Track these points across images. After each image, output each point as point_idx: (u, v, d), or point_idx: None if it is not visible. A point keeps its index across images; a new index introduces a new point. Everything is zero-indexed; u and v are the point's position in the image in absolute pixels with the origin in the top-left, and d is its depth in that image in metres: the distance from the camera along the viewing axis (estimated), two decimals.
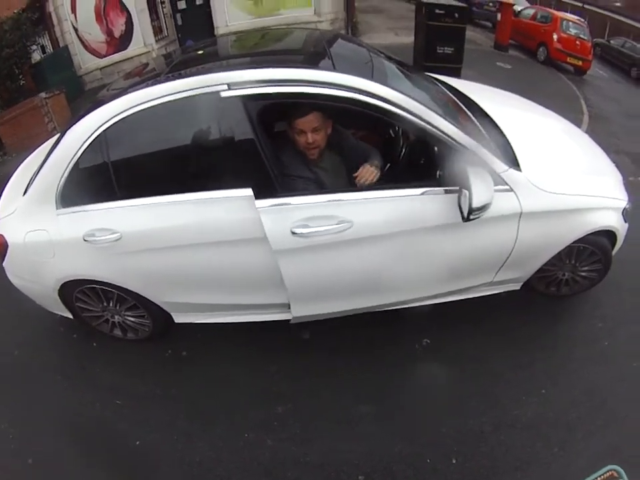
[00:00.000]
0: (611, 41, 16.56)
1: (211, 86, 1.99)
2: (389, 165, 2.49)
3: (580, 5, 22.22)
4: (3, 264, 2.50)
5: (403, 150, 2.55)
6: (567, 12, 15.44)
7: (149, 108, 2.05)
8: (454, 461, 2.18)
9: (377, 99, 2.03)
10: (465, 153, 2.12)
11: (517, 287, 2.76)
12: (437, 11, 6.81)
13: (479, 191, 2.01)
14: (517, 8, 12.26)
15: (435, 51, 6.73)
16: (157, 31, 9.92)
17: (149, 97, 2.05)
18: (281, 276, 2.22)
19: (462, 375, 2.56)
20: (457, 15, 6.82)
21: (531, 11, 12.77)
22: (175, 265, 2.26)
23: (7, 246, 2.38)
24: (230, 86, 1.98)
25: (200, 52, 2.74)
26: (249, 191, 2.05)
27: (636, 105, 10.14)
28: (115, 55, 9.79)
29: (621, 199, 2.59)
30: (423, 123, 2.08)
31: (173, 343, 2.80)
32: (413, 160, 2.48)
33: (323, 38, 2.66)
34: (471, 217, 2.06)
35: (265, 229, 2.06)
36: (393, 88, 2.08)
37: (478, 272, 2.52)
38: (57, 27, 9.82)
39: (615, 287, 3.02)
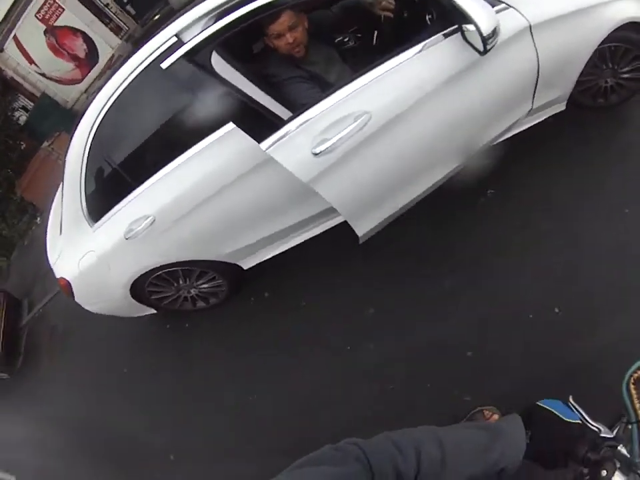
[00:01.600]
0: None
1: (162, 45, 1.92)
2: (376, 32, 2.34)
3: None
4: (75, 299, 2.68)
5: (383, 15, 2.32)
6: None
7: (120, 95, 2.09)
8: (556, 310, 2.06)
9: None
10: None
11: (562, 107, 2.52)
12: None
13: (481, 17, 1.80)
14: None
15: None
16: (117, 30, 9.80)
17: (115, 85, 2.08)
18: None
19: (534, 215, 2.40)
20: None
21: None
22: (213, 217, 2.30)
23: (70, 284, 2.56)
24: (178, 35, 1.88)
25: (155, 18, 2.67)
26: (230, 125, 1.99)
27: None
28: (91, 72, 9.85)
29: None
30: None
31: (252, 290, 2.90)
32: (398, 20, 2.28)
33: None
34: (488, 46, 1.86)
35: (286, 167, 1.90)
36: None
37: (515, 104, 2.32)
38: (26, 84, 10.04)
39: None
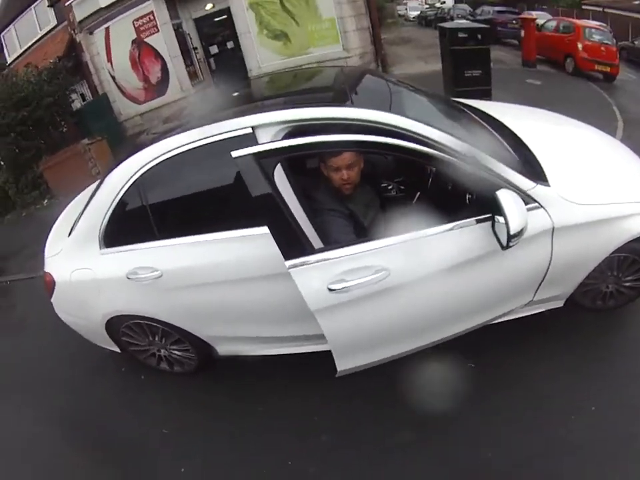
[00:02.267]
0: (636, 42, 16.03)
1: (236, 130, 2.06)
2: (418, 194, 2.51)
3: (600, 9, 21.75)
4: (52, 300, 2.69)
5: (430, 179, 2.56)
6: (588, 19, 15.16)
7: (182, 153, 2.18)
8: None
9: (397, 133, 2.02)
10: (491, 177, 2.10)
11: (560, 304, 2.65)
12: (460, 34, 6.76)
13: (514, 216, 1.95)
14: (540, 22, 12.16)
15: (463, 75, 6.65)
16: (193, 75, 10.40)
17: (182, 142, 2.18)
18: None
19: (509, 399, 2.46)
20: (479, 37, 6.73)
21: (553, 23, 12.56)
22: (213, 300, 2.35)
23: (55, 283, 2.58)
24: (254, 129, 2.03)
25: (234, 94, 2.84)
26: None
27: None
28: (153, 101, 10.28)
29: None
30: (444, 153, 2.06)
31: (218, 374, 2.86)
32: (441, 188, 2.47)
33: (348, 75, 2.73)
34: (511, 243, 2.01)
35: (300, 290, 1.99)
36: (412, 118, 2.08)
37: (517, 294, 2.45)
38: (95, 76, 10.42)
39: None
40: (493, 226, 2.08)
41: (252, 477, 2.33)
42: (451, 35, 6.92)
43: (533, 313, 2.65)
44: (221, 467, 2.39)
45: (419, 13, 29.16)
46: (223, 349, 2.71)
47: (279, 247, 1.96)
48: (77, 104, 9.78)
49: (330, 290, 1.99)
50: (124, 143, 8.64)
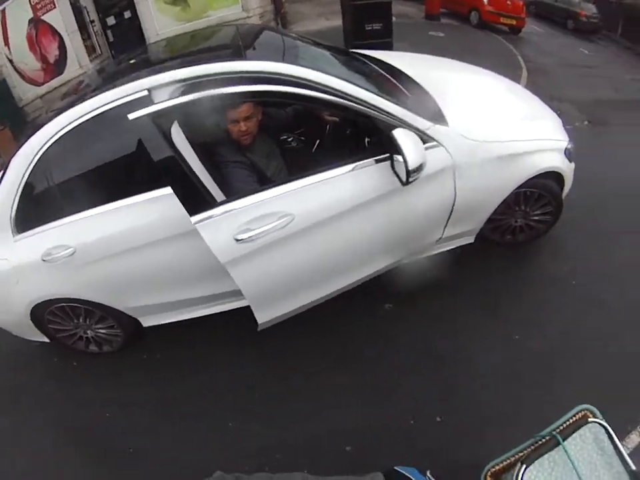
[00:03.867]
0: None
1: (132, 94, 2.02)
2: (318, 142, 2.57)
3: None
4: None
5: (328, 127, 2.60)
6: None
7: (81, 124, 2.12)
8: (438, 419, 2.24)
9: (291, 81, 2.06)
10: (388, 118, 2.17)
11: (471, 239, 2.80)
12: None
13: (411, 153, 2.05)
14: None
15: (363, 29, 6.65)
16: (90, 50, 9.79)
17: (79, 113, 2.12)
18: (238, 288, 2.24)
19: (430, 334, 2.61)
20: None
21: None
22: (128, 269, 2.33)
23: None
24: (150, 90, 2.00)
25: (130, 61, 2.74)
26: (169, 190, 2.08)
27: (574, 55, 10.42)
28: (53, 81, 9.59)
29: (561, 140, 2.64)
30: (339, 98, 2.11)
31: (147, 347, 2.86)
32: (340, 136, 2.53)
33: (245, 32, 2.71)
34: (410, 178, 2.09)
35: (208, 244, 2.01)
36: (306, 67, 2.13)
37: (425, 232, 2.57)
38: None
39: (572, 226, 3.10)
40: (392, 165, 2.18)
41: (196, 443, 2.36)
42: None
43: (445, 249, 2.79)
44: (167, 439, 2.41)
45: None
46: (146, 320, 2.69)
47: (182, 204, 1.97)
48: None
49: (237, 240, 2.02)
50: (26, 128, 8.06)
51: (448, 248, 2.79)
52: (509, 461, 1.55)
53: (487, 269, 2.92)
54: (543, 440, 1.48)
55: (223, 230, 2.02)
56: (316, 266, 2.32)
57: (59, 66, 9.60)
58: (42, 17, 9.31)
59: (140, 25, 9.80)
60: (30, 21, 9.36)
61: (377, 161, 2.21)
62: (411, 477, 1.25)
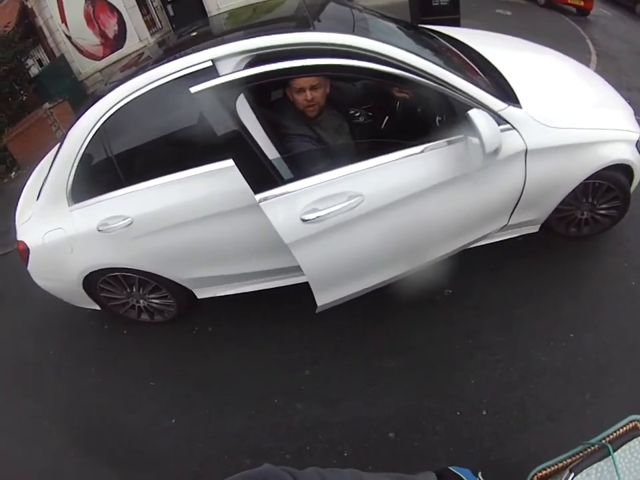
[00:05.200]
0: None
1: (195, 65, 1.98)
2: (387, 118, 2.47)
3: None
4: (28, 268, 2.61)
5: (398, 104, 2.50)
6: None
7: (141, 95, 2.11)
8: (484, 412, 2.16)
9: (359, 54, 1.96)
10: (462, 97, 2.06)
11: (535, 229, 2.69)
12: None
13: (488, 135, 1.94)
14: None
15: (430, 5, 6.38)
16: (150, 24, 10.00)
17: (139, 85, 2.10)
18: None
19: (485, 324, 2.52)
20: None
21: None
22: (186, 241, 2.32)
23: (29, 250, 2.51)
24: (214, 61, 1.95)
25: (192, 34, 2.71)
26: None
27: None
28: (112, 55, 9.89)
29: (634, 131, 2.49)
30: (410, 73, 2.01)
31: (198, 320, 2.88)
32: (410, 113, 2.43)
33: (310, 4, 2.62)
34: (486, 163, 2.01)
35: (273, 223, 1.96)
36: (379, 40, 2.03)
37: (492, 217, 2.47)
38: (50, 39, 9.94)
39: (638, 222, 2.92)
40: (467, 146, 2.06)
41: (241, 419, 2.37)
42: None
43: (507, 237, 2.69)
44: (211, 413, 2.43)
45: None
46: (200, 292, 2.70)
47: (247, 181, 1.91)
48: (35, 70, 9.42)
49: (303, 221, 1.97)
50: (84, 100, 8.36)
51: (512, 236, 2.70)
52: (556, 467, 1.51)
53: (548, 260, 2.79)
54: (593, 448, 1.44)
55: (290, 210, 1.97)
56: (382, 249, 2.25)
57: (118, 40, 9.86)
58: None
59: (200, 0, 9.81)
60: None
61: (449, 143, 2.10)
62: (464, 478, 1.18)
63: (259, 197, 1.93)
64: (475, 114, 1.97)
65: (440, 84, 2.03)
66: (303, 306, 2.45)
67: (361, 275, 2.32)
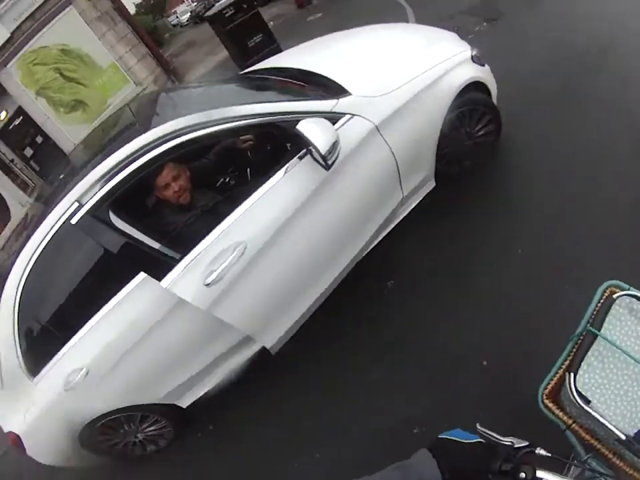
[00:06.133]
0: None
1: (66, 213, 2.13)
2: (249, 169, 2.60)
3: None
4: (28, 454, 2.54)
5: (249, 151, 2.63)
6: None
7: (39, 257, 2.20)
8: (484, 363, 2.16)
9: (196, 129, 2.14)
10: (292, 117, 2.20)
11: (432, 184, 2.78)
12: (226, 13, 6.76)
13: (318, 137, 2.07)
14: None
15: (247, 48, 6.70)
16: (24, 186, 9.81)
17: (32, 249, 2.20)
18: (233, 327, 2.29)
19: (440, 286, 2.57)
20: (244, 5, 6.78)
21: None
22: (140, 362, 2.35)
23: (20, 438, 2.45)
24: (79, 201, 2.11)
25: (60, 177, 2.83)
26: (142, 275, 2.18)
27: None
28: (5, 231, 9.58)
29: (464, 50, 2.64)
30: (239, 121, 2.18)
31: (197, 425, 2.84)
32: (263, 152, 2.57)
33: (137, 107, 2.78)
34: (328, 161, 2.12)
35: (186, 299, 2.12)
36: (201, 110, 2.20)
37: (385, 196, 2.56)
38: None
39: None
40: (312, 156, 2.20)
41: None
42: (219, 19, 6.92)
43: (415, 205, 2.77)
44: None
45: (189, 13, 29.34)
46: (182, 401, 2.66)
47: (151, 276, 2.11)
48: None
49: (207, 285, 2.11)
50: None
51: (418, 200, 2.78)
52: (559, 375, 1.35)
53: (457, 206, 2.86)
54: (581, 338, 1.31)
55: (192, 281, 2.12)
56: (287, 280, 2.36)
57: (2, 216, 9.59)
58: None
59: (55, 144, 9.85)
60: None
61: (300, 158, 2.24)
62: (456, 438, 1.14)
63: (163, 283, 2.09)
64: (301, 126, 2.12)
65: (270, 116, 2.21)
66: (274, 370, 2.50)
67: (286, 307, 2.43)
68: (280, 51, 6.16)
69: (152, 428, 2.73)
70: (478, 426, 1.22)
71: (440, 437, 1.25)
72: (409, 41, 2.93)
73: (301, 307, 2.48)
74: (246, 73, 3.31)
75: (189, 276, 2.12)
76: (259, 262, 2.22)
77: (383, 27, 3.30)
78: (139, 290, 2.20)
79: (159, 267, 2.12)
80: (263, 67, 3.22)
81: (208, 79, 3.02)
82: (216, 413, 2.80)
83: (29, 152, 9.97)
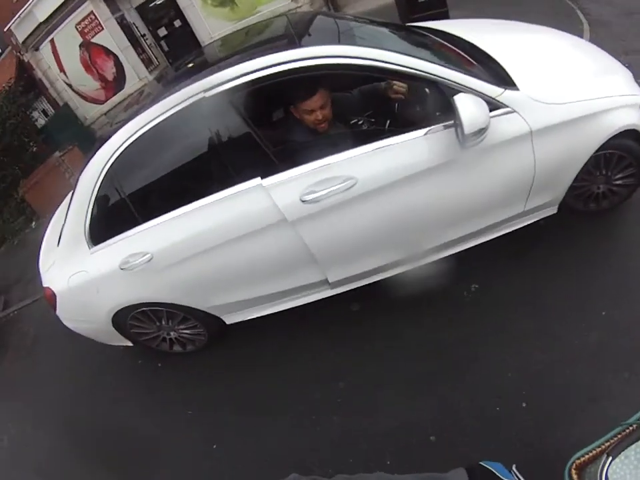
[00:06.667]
0: None
1: (192, 97, 2.10)
2: (388, 121, 2.47)
3: None
4: (57, 313, 2.68)
5: (397, 104, 2.52)
6: None
7: (145, 132, 2.19)
8: (524, 405, 2.10)
9: (351, 60, 2.05)
10: (452, 85, 2.08)
11: (553, 210, 2.62)
12: None
13: (468, 116, 1.97)
14: None
15: (416, 2, 6.34)
16: (147, 62, 10.22)
17: (142, 122, 2.18)
18: (310, 252, 2.28)
19: (515, 314, 2.45)
20: None
21: None
22: (208, 268, 2.36)
23: (55, 296, 2.57)
24: (205, 92, 2.08)
25: (189, 65, 2.81)
26: (258, 180, 2.14)
27: (634, 2, 9.53)
28: (115, 97, 10.13)
29: (636, 94, 2.42)
30: (405, 70, 2.07)
31: (229, 344, 2.90)
32: (410, 110, 2.44)
33: (297, 21, 2.68)
34: (467, 143, 2.04)
35: (277, 204, 2.13)
36: (363, 46, 2.11)
37: (506, 203, 2.44)
38: (51, 89, 10.26)
39: None
40: (457, 131, 2.08)
41: (280, 438, 2.37)
42: None
43: (528, 222, 2.62)
44: (250, 434, 2.43)
45: None
46: (229, 318, 2.72)
47: (255, 170, 2.14)
48: (42, 121, 9.70)
49: (302, 201, 2.14)
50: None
51: (532, 220, 2.63)
52: (594, 452, 1.42)
53: (569, 240, 2.70)
54: (631, 428, 1.35)
55: (291, 191, 2.15)
56: (383, 229, 2.33)
57: (118, 82, 10.13)
58: (92, 40, 9.83)
59: (192, 31, 10.06)
60: (81, 46, 9.90)
61: (446, 127, 2.13)
62: (496, 472, 1.16)
63: (265, 182, 2.14)
64: (459, 97, 1.99)
65: (430, 76, 2.08)
66: (329, 320, 2.51)
67: (365, 253, 2.43)
68: (447, 17, 5.85)
69: (188, 331, 2.79)
70: (514, 468, 1.29)
71: (481, 463, 1.25)
72: (583, 61, 2.69)
73: (376, 261, 2.48)
74: (412, 26, 3.11)
75: (290, 185, 2.15)
76: (360, 203, 2.21)
77: (562, 36, 3.02)
78: (234, 198, 2.18)
79: (265, 167, 2.15)
80: (432, 26, 3.00)
81: (371, 16, 2.85)
82: (254, 338, 2.85)
83: (162, 32, 10.32)
